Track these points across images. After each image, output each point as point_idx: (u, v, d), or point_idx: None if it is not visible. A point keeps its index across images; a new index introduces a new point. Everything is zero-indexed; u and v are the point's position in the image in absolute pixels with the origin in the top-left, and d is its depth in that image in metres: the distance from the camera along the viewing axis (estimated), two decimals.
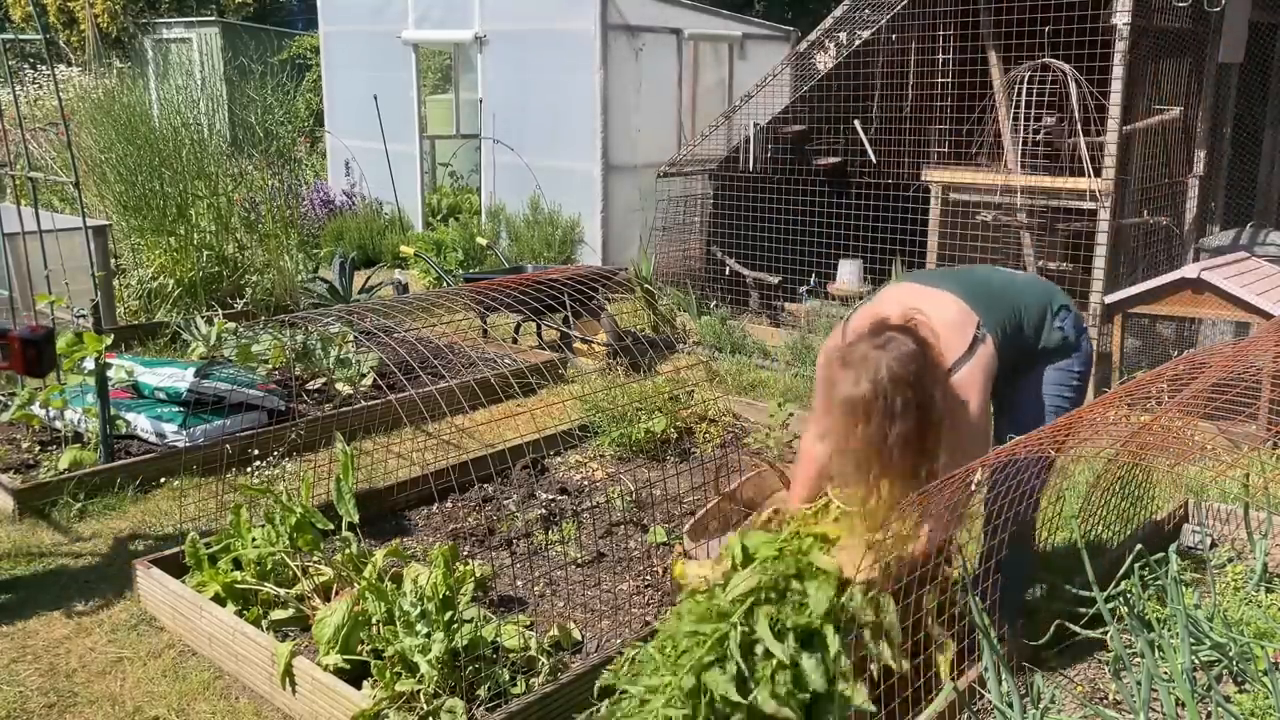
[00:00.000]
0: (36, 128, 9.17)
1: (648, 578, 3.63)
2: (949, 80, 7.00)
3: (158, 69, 14.02)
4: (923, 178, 6.53)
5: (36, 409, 4.73)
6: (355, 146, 10.68)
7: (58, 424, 4.75)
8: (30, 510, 4.18)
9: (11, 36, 9.13)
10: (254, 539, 3.39)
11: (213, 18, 15.71)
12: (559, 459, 4.79)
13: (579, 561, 3.73)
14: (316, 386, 5.72)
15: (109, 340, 4.70)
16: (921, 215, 6.51)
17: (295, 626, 3.21)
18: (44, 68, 11.62)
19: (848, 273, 7.13)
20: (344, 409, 5.29)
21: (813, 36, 7.56)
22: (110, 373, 4.60)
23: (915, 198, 6.60)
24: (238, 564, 3.38)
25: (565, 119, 8.66)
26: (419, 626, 2.82)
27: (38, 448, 4.75)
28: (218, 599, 3.27)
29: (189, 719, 2.95)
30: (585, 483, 4.52)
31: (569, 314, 6.35)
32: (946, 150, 7.12)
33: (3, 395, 5.20)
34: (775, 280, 7.51)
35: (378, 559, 3.21)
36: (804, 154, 7.63)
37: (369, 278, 7.90)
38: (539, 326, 6.88)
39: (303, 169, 11.90)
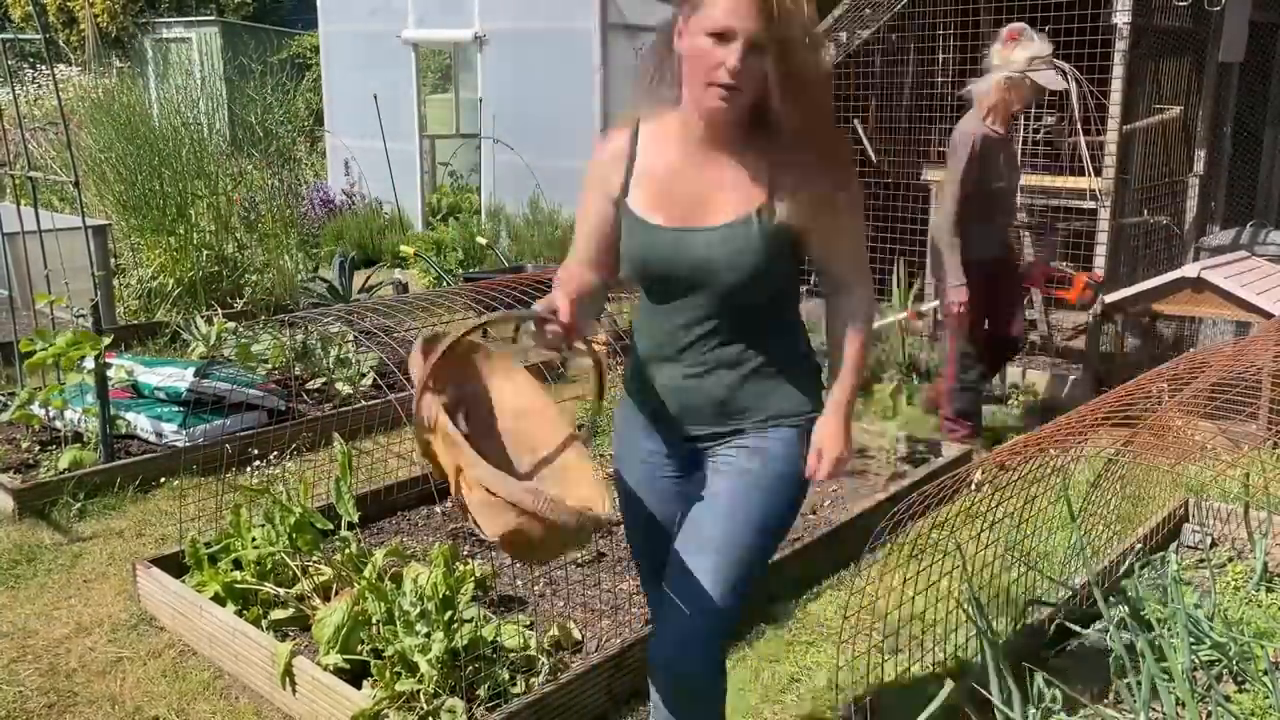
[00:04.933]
0: (36, 127, 9.15)
1: None
2: (949, 80, 6.99)
3: (157, 69, 14.04)
4: (923, 178, 6.52)
5: (36, 408, 4.73)
6: (355, 146, 10.67)
7: (58, 424, 4.75)
8: (30, 510, 4.17)
9: (11, 36, 9.14)
10: (254, 539, 3.39)
11: (212, 17, 15.70)
12: None
13: (579, 561, 3.73)
14: (316, 386, 5.72)
15: (109, 340, 4.69)
16: (922, 215, 6.50)
17: (295, 626, 3.20)
18: (44, 67, 11.62)
19: None
20: (344, 409, 5.28)
21: None
22: (110, 372, 4.60)
23: (915, 197, 6.59)
24: (238, 564, 3.38)
25: (565, 119, 8.66)
26: (419, 626, 2.82)
27: (38, 447, 4.75)
28: (218, 599, 3.26)
29: (189, 719, 2.95)
30: None
31: None
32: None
33: (2, 395, 5.20)
34: None
35: (378, 559, 3.21)
36: None
37: (369, 277, 7.89)
38: None
39: (303, 169, 11.87)
